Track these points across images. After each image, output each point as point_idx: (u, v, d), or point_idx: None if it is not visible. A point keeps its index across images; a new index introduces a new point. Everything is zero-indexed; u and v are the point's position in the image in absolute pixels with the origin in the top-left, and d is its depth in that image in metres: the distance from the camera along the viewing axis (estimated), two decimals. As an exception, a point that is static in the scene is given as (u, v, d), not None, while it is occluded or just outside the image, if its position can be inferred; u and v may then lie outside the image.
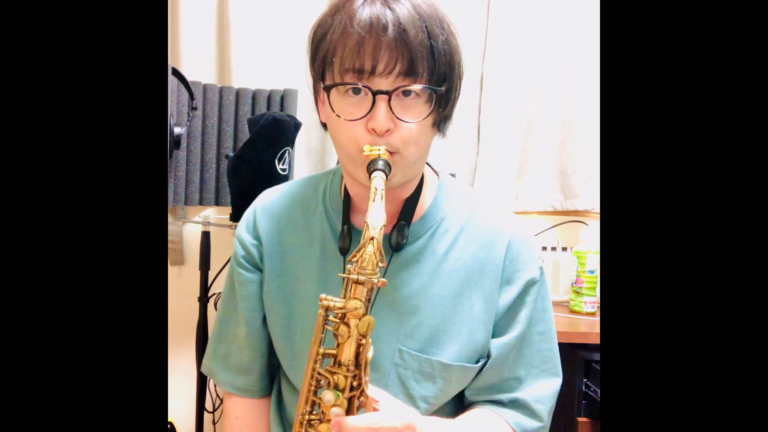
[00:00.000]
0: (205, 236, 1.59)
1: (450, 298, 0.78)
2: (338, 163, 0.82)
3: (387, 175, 0.66)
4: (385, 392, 0.71)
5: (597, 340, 1.44)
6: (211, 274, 1.58)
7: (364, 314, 0.64)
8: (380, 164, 0.66)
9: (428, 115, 0.69)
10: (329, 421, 0.65)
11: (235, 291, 0.87)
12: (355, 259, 0.64)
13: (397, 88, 0.67)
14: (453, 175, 0.88)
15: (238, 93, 1.75)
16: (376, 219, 0.63)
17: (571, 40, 1.87)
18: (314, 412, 0.69)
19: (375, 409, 0.65)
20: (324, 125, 0.78)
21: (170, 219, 1.76)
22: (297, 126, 1.50)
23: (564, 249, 1.91)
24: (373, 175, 0.66)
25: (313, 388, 0.68)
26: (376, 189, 0.65)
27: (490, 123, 1.88)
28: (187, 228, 1.83)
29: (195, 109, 1.55)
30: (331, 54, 0.68)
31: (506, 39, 1.86)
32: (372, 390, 0.68)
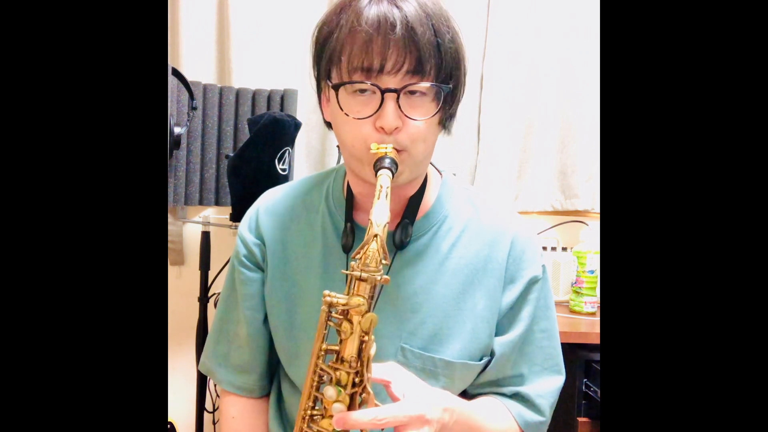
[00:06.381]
0: (205, 236, 1.59)
1: (453, 296, 0.78)
2: (338, 162, 0.82)
3: (393, 174, 0.67)
4: (410, 376, 0.69)
5: (597, 340, 1.44)
6: (211, 274, 1.58)
7: (367, 311, 0.64)
8: (387, 162, 0.66)
9: (436, 112, 0.70)
10: (331, 416, 0.65)
11: (235, 290, 0.87)
12: (358, 256, 0.64)
13: (405, 86, 0.67)
14: (453, 175, 0.88)
15: (238, 93, 1.75)
16: (379, 216, 0.63)
17: (571, 40, 1.87)
18: (316, 408, 0.69)
19: (377, 405, 0.65)
20: (328, 124, 0.78)
21: (170, 219, 1.76)
22: (297, 126, 1.50)
23: (564, 249, 1.91)
24: (379, 173, 0.66)
25: (315, 384, 0.68)
26: (381, 186, 0.65)
27: (490, 123, 1.88)
28: (187, 228, 1.83)
29: (195, 109, 1.55)
30: (339, 52, 0.68)
31: (506, 39, 1.86)
32: (395, 377, 0.67)
